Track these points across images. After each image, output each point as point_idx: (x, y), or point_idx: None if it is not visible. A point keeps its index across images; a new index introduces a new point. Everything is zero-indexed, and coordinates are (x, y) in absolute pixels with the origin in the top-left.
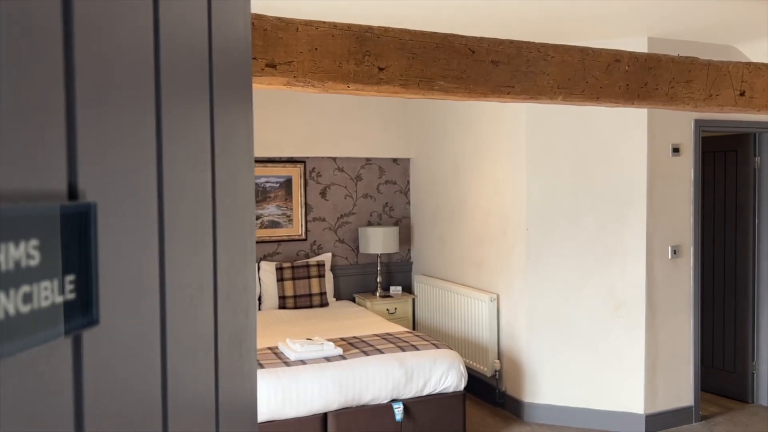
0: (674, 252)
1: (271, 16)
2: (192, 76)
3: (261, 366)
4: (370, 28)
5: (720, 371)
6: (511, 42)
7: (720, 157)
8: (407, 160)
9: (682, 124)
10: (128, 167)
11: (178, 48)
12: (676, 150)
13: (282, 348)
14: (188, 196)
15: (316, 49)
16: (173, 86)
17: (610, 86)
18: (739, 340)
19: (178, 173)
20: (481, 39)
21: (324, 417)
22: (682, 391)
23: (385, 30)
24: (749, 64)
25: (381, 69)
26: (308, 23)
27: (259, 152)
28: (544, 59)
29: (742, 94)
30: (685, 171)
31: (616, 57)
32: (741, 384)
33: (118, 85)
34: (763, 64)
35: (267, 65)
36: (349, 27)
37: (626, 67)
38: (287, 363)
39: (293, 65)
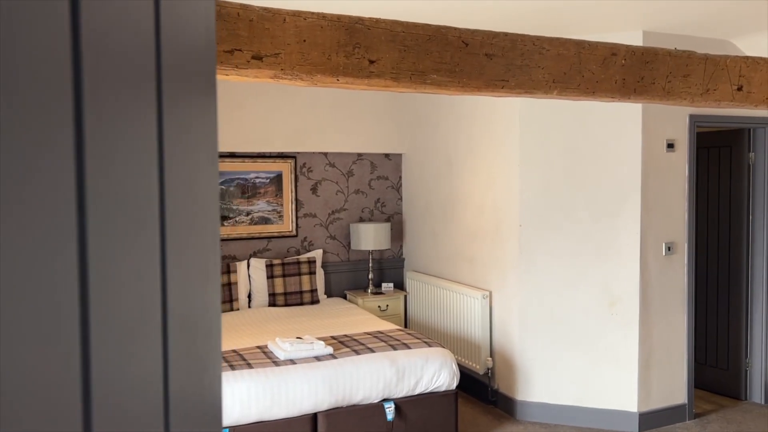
0: (668, 249)
1: (257, 6)
2: (130, 65)
3: (250, 366)
4: (360, 20)
5: (713, 368)
6: (506, 35)
7: (714, 153)
8: (399, 156)
9: (676, 120)
10: (28, 176)
11: (109, 33)
12: (670, 145)
13: (271, 347)
14: (126, 207)
15: (305, 40)
16: (101, 77)
17: (606, 80)
18: (732, 337)
19: (111, 180)
20: (475, 31)
21: (314, 417)
22: (675, 389)
23: (376, 21)
24: (747, 58)
25: (372, 62)
26: (296, 14)
27: (249, 147)
28: (540, 52)
29: (740, 88)
30: (679, 167)
31: (613, 50)
32: (734, 381)
33: (14, 65)
34: (760, 58)
35: (253, 57)
36: (338, 18)
37: (623, 61)
38: (276, 363)
39: (280, 57)
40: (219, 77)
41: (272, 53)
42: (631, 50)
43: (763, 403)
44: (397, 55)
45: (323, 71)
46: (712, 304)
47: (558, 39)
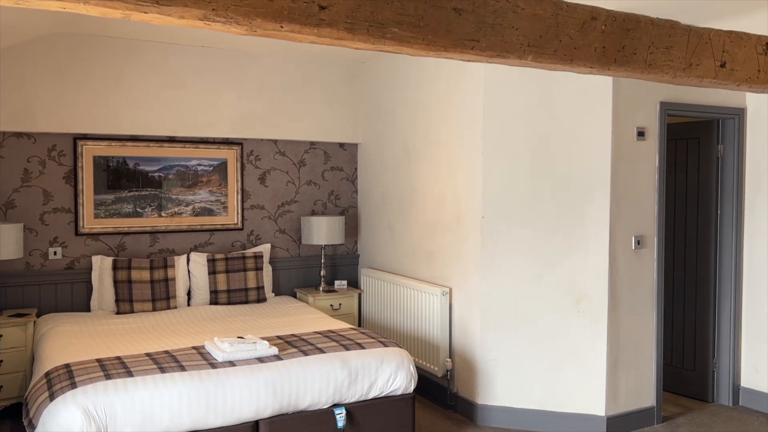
0: (638, 242)
1: None
2: None
3: (182, 368)
4: None
5: (679, 369)
6: None
7: (682, 145)
8: (355, 146)
9: (647, 106)
10: None
11: None
12: (641, 133)
13: (209, 347)
14: None
15: None
16: None
17: (585, 47)
18: (699, 337)
19: None
20: None
21: (255, 425)
22: (644, 391)
23: None
24: (731, 33)
25: (322, 8)
26: None
27: (190, 131)
28: (514, 11)
29: (723, 65)
30: (649, 156)
31: (593, 14)
32: (701, 383)
33: None
34: (744, 33)
35: None
36: None
37: (603, 27)
38: (213, 365)
39: None
40: (136, 17)
41: None
42: (612, 15)
43: (731, 405)
44: (353, 2)
45: (264, 15)
46: (678, 302)
47: None
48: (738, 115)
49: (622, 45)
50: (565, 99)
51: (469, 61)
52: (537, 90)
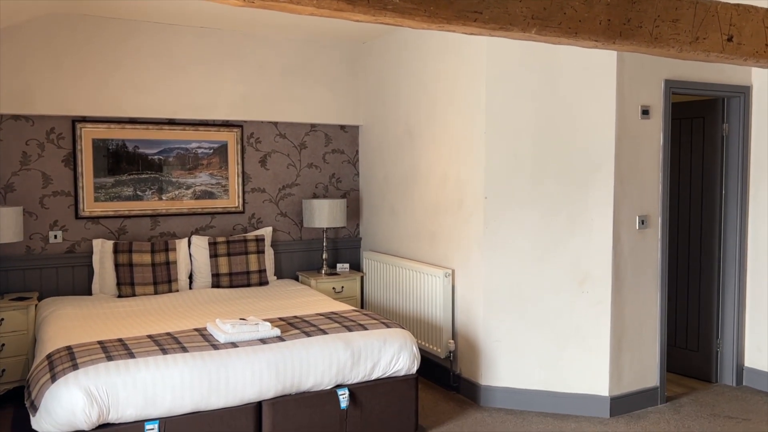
0: (642, 222)
1: None
2: None
3: (184, 350)
4: None
5: (682, 350)
6: None
7: (686, 125)
8: (356, 128)
9: (651, 84)
10: None
11: None
12: (645, 112)
13: (211, 329)
14: None
15: None
16: None
17: (590, 20)
18: (703, 317)
19: None
20: None
21: (258, 406)
22: (647, 371)
23: None
24: (738, 6)
25: None
26: None
27: (190, 114)
28: None
29: (730, 39)
30: (654, 135)
31: None
32: (705, 363)
33: None
34: (752, 6)
35: None
36: None
37: None
38: (216, 346)
39: None
40: None
41: None
42: None
43: (734, 385)
44: None
45: None
46: (682, 282)
47: None
48: (743, 93)
49: (628, 18)
50: (569, 77)
51: (472, 34)
52: (540, 68)
